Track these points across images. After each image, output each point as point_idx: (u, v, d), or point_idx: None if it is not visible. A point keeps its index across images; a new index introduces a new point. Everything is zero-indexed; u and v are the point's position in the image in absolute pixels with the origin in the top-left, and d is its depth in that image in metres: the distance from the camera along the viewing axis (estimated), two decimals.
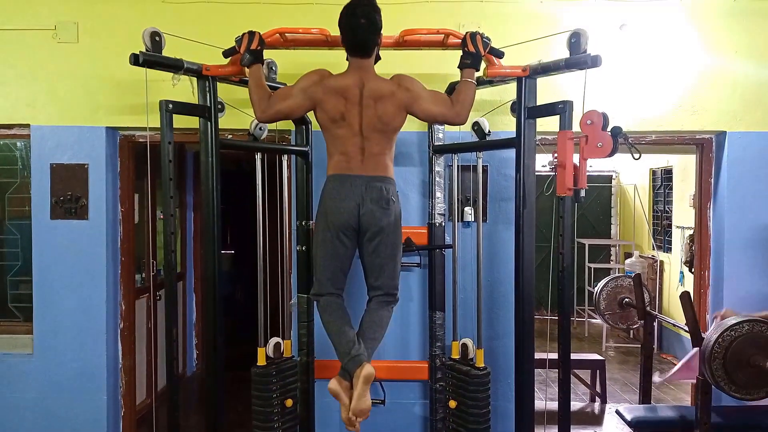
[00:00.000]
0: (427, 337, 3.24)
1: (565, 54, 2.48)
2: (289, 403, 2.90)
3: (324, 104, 2.33)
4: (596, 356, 4.72)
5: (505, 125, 3.08)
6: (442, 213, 3.16)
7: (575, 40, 2.43)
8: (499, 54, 2.56)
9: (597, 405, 4.33)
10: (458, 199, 3.12)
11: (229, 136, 3.23)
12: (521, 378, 2.64)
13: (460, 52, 2.44)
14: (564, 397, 2.59)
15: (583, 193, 2.35)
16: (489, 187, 3.26)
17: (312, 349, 3.06)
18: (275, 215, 3.08)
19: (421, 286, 3.29)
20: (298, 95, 2.35)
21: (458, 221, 3.16)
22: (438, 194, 3.14)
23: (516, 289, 2.65)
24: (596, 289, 4.24)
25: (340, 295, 2.41)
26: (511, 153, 2.75)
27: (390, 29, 2.60)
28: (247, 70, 2.41)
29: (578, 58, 2.42)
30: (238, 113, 2.89)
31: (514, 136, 2.64)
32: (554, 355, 2.64)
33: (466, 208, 3.24)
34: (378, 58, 2.44)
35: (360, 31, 2.30)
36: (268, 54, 2.72)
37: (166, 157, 2.46)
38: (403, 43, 2.64)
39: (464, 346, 2.96)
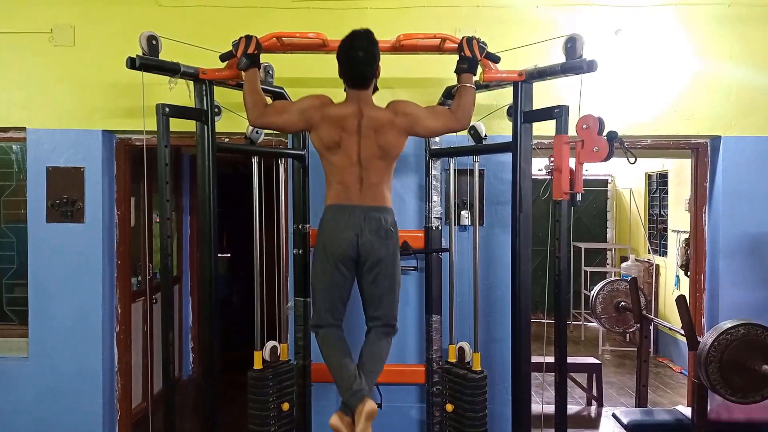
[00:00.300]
0: (423, 340, 3.24)
1: (561, 59, 2.49)
2: (285, 406, 2.89)
3: (319, 130, 2.34)
4: (593, 360, 4.73)
5: (501, 129, 3.08)
6: (439, 217, 3.16)
7: (571, 45, 2.44)
8: (496, 59, 2.57)
9: (593, 408, 4.34)
10: (455, 202, 3.13)
11: (226, 140, 3.23)
12: (518, 381, 2.65)
13: (456, 57, 2.45)
14: (561, 400, 2.60)
15: (579, 197, 2.36)
16: (485, 190, 3.26)
17: (309, 353, 3.06)
18: (272, 219, 3.08)
19: (417, 289, 3.29)
20: (294, 114, 2.36)
21: (455, 225, 3.17)
22: (435, 198, 3.14)
23: (512, 292, 2.66)
24: (593, 292, 4.26)
25: (339, 326, 2.41)
26: (507, 157, 2.76)
27: (387, 34, 2.61)
28: (243, 73, 2.42)
29: (574, 63, 2.43)
30: (234, 117, 2.89)
31: (511, 140, 2.65)
32: (551, 359, 2.64)
33: (463, 212, 3.24)
34: (376, 88, 2.45)
35: (358, 64, 2.31)
36: (265, 58, 2.72)
37: (162, 160, 2.46)
38: (400, 47, 2.65)
39: (461, 350, 2.96)
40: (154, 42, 2.45)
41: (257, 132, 2.92)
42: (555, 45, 2.57)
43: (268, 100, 2.57)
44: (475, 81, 2.47)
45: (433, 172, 3.14)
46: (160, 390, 3.77)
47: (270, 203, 3.06)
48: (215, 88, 2.64)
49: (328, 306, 2.37)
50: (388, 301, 2.38)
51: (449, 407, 2.93)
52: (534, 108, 2.62)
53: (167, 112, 2.46)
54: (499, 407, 3.21)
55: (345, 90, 2.40)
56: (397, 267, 2.40)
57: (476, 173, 2.99)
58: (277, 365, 2.92)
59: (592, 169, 7.23)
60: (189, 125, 2.60)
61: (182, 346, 5.07)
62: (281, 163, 3.10)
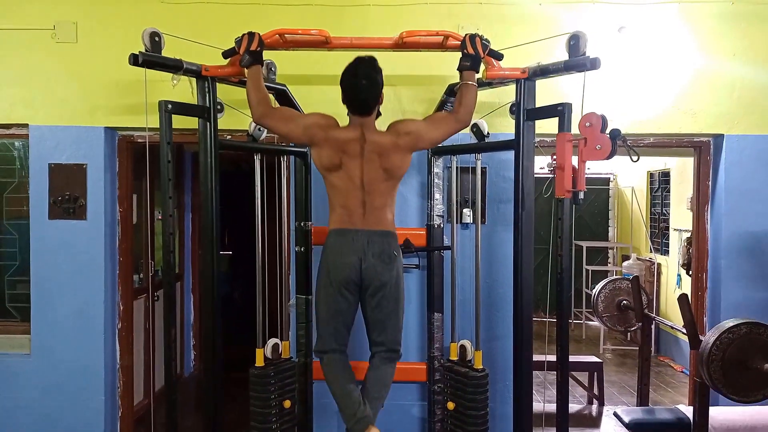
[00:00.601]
0: (425, 338, 3.24)
1: (564, 56, 2.48)
2: (287, 404, 2.90)
3: (320, 150, 2.34)
4: (594, 358, 4.72)
5: (504, 127, 3.09)
6: (441, 215, 3.16)
7: (574, 43, 2.43)
8: (499, 56, 2.56)
9: (595, 407, 4.34)
10: (457, 200, 3.12)
11: (228, 137, 3.23)
12: (519, 380, 2.64)
13: (459, 54, 2.44)
14: (562, 399, 2.59)
15: (581, 196, 2.35)
16: (488, 188, 3.26)
17: (310, 351, 3.05)
18: (274, 216, 3.08)
19: (419, 287, 3.29)
20: (299, 127, 2.37)
21: (457, 223, 3.16)
22: (437, 196, 3.14)
23: (514, 290, 2.66)
24: (594, 291, 4.25)
25: (343, 351, 2.41)
26: (509, 155, 2.75)
27: (389, 31, 2.60)
28: (246, 71, 2.41)
29: (577, 61, 2.42)
30: (237, 114, 2.89)
31: (513, 138, 2.64)
32: (552, 357, 2.64)
33: (465, 210, 3.24)
34: (379, 113, 2.45)
35: (361, 92, 2.31)
36: (267, 55, 2.72)
37: (165, 157, 2.46)
38: (402, 44, 2.63)
39: (462, 348, 2.96)
40: (156, 39, 2.45)
41: (260, 129, 2.92)
42: (558, 42, 2.56)
43: (271, 97, 2.56)
44: (478, 78, 2.46)
45: (435, 170, 3.13)
46: (162, 387, 3.76)
47: (272, 200, 3.05)
48: (218, 85, 2.63)
49: (331, 331, 2.37)
50: (392, 325, 2.38)
51: (450, 405, 2.93)
52: (537, 106, 2.61)
53: (170, 108, 2.46)
54: (500, 405, 3.21)
55: (348, 115, 2.41)
56: (400, 291, 2.40)
57: (478, 171, 2.99)
58: (279, 363, 2.93)
59: (594, 168, 7.22)
60: (191, 122, 2.60)
61: (184, 344, 5.08)
62: (283, 160, 3.10)
